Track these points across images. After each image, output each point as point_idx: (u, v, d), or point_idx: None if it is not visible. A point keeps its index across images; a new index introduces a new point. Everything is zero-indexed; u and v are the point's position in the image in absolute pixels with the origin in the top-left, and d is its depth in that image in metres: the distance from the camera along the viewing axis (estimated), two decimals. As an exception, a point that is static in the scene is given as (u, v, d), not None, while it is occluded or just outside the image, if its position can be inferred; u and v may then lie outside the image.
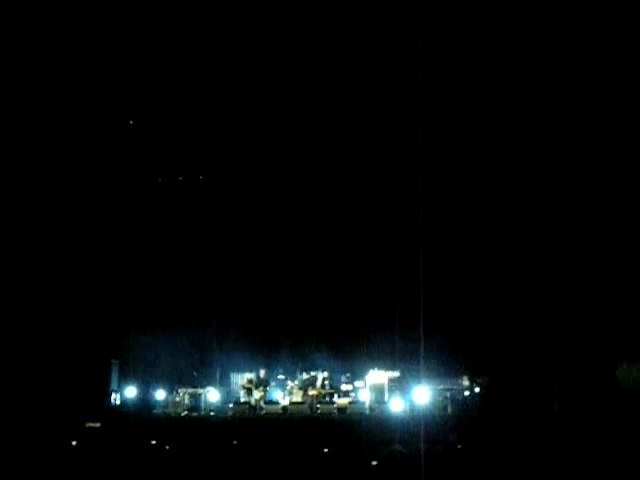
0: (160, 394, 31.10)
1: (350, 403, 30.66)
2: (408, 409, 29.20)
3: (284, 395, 31.20)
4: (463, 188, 30.58)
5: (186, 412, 30.72)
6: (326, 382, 31.27)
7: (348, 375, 31.40)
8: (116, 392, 30.79)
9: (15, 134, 28.72)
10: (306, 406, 30.73)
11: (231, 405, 30.99)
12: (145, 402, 30.84)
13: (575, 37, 28.32)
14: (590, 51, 28.31)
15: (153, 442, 27.54)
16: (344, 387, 31.22)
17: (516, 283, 30.00)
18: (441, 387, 30.07)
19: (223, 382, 31.69)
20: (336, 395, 30.93)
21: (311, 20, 29.57)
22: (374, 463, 21.84)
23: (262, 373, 31.52)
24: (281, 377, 31.46)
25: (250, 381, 31.31)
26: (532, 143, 29.71)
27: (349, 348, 31.52)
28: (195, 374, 31.56)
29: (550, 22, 28.58)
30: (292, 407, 30.67)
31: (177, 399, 31.08)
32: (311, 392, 31.04)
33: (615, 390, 26.95)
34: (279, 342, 31.70)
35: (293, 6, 29.37)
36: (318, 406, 30.63)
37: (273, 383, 31.45)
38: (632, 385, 27.13)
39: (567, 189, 29.47)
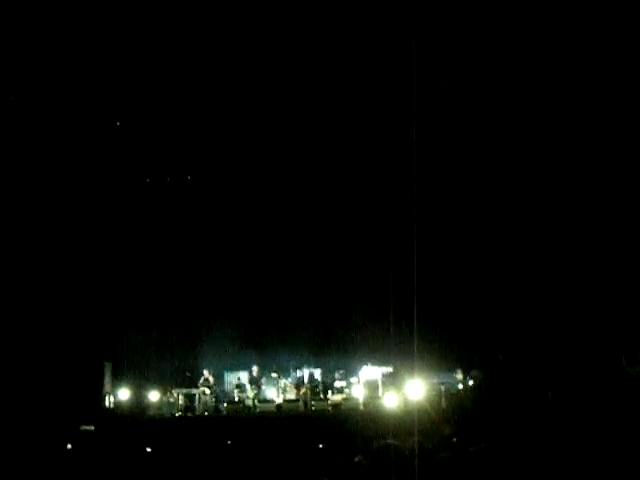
0: (154, 395, 31.00)
1: (344, 399, 30.70)
2: (402, 404, 29.17)
3: (278, 393, 31.18)
4: (457, 181, 30.52)
5: (180, 413, 30.66)
6: (319, 379, 31.28)
7: (342, 372, 31.41)
8: (109, 394, 30.69)
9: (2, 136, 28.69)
10: (300, 403, 30.72)
11: (225, 404, 31.01)
12: (139, 404, 30.76)
13: (574, 36, 28.28)
14: (589, 51, 28.25)
15: (148, 445, 27.41)
16: (338, 384, 31.24)
17: (509, 275, 29.91)
18: (435, 381, 30.06)
19: (216, 382, 31.65)
20: (330, 392, 30.97)
21: (299, 18, 29.51)
22: (360, 458, 21.81)
23: (255, 371, 31.49)
24: (274, 375, 31.39)
25: (244, 380, 31.39)
26: (535, 128, 29.60)
27: (342, 344, 31.49)
28: (188, 374, 31.49)
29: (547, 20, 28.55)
30: (286, 405, 30.67)
31: (171, 400, 30.99)
32: (305, 389, 31.03)
33: (621, 375, 26.81)
34: (271, 340, 31.64)
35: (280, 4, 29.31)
36: (312, 403, 30.65)
37: (266, 381, 31.41)
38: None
39: (562, 177, 29.39)
